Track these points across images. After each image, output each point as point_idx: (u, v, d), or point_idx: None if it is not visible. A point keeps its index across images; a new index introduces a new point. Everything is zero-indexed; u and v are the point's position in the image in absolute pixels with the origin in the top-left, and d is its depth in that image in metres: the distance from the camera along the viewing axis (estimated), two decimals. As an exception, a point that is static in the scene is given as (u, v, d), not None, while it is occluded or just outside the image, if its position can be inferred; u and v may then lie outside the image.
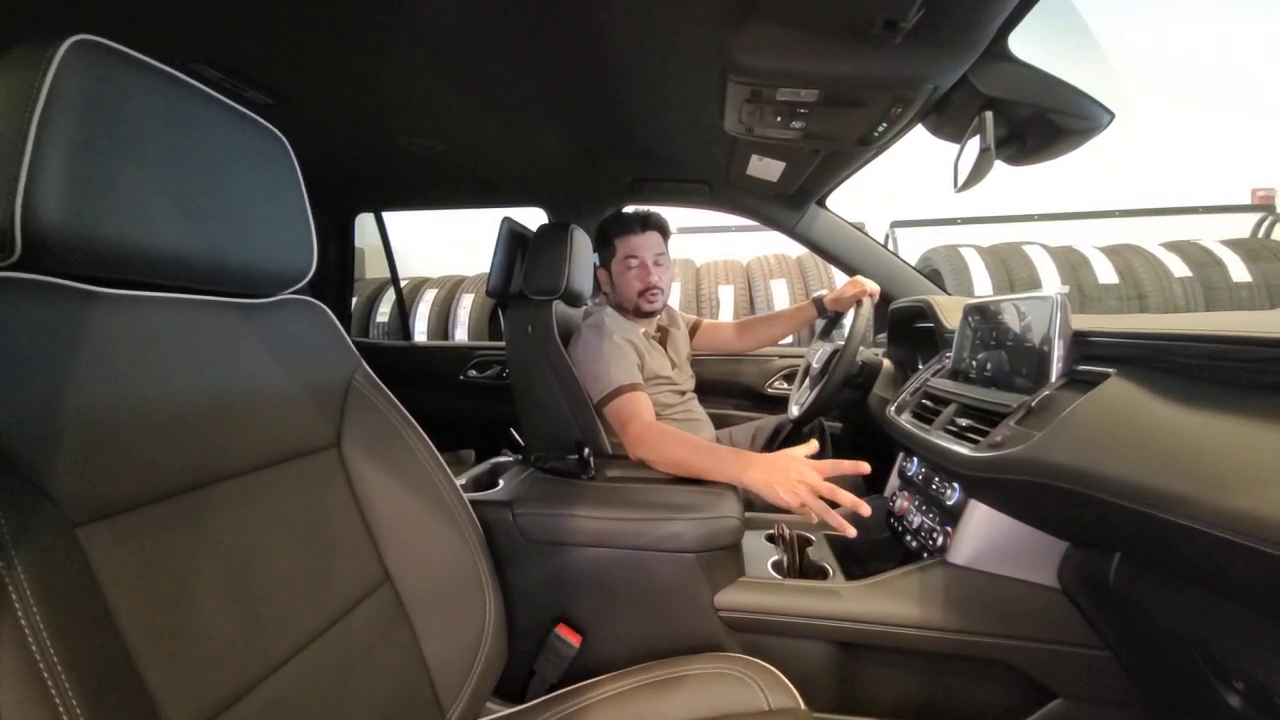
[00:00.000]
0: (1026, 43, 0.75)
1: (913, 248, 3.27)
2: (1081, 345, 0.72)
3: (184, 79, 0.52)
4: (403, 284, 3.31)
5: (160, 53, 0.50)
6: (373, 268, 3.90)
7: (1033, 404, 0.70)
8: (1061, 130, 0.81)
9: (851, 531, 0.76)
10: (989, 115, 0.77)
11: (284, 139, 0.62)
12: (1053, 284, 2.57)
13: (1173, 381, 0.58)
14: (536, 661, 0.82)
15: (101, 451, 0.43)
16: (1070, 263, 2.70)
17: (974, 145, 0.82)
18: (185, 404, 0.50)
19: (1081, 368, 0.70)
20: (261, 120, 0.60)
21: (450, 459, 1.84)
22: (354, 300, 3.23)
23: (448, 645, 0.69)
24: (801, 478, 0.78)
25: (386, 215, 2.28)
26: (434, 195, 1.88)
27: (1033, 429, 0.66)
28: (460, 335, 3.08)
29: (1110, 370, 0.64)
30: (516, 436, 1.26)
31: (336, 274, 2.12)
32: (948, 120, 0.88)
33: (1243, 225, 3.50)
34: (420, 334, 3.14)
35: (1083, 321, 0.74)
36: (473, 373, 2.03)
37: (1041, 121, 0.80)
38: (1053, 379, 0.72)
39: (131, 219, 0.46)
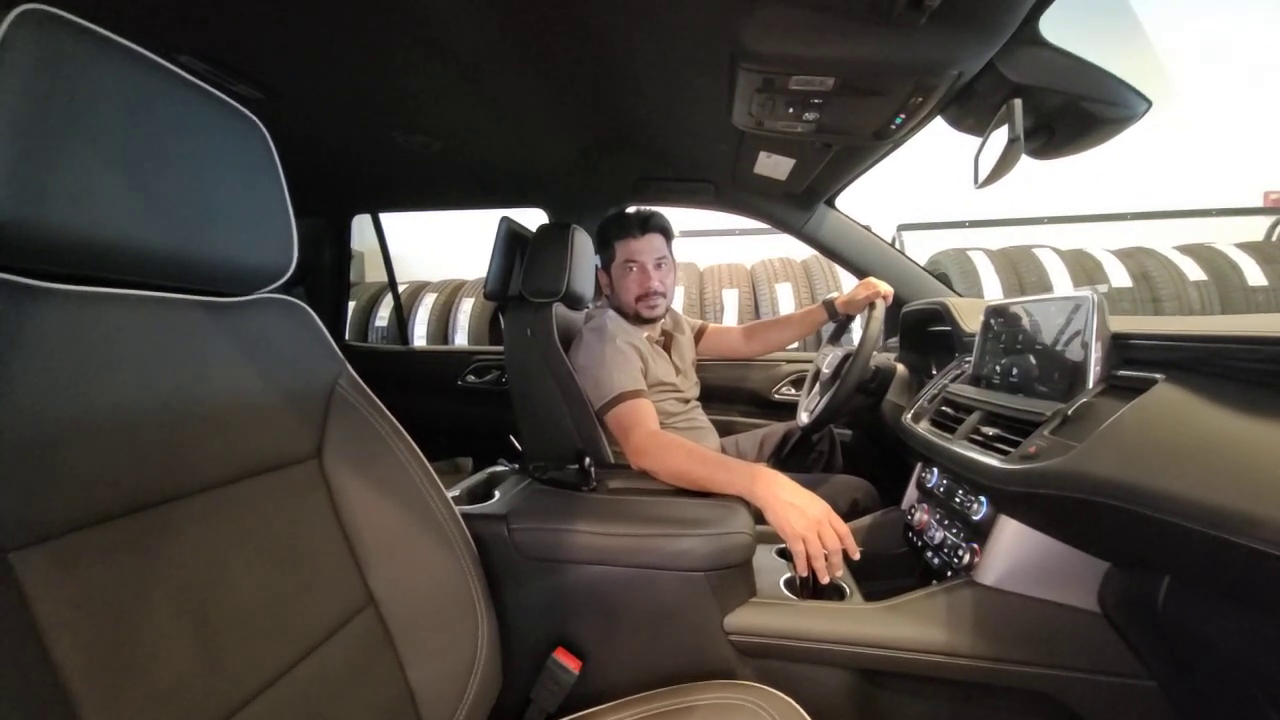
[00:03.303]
0: (1058, 25, 0.71)
1: (920, 251, 3.22)
2: (1121, 349, 0.67)
3: (149, 56, 0.47)
4: (402, 288, 3.29)
5: (143, 44, 0.46)
6: (372, 271, 3.87)
7: (1069, 412, 0.65)
8: (1095, 119, 0.76)
9: (825, 579, 0.75)
10: (1018, 103, 0.72)
11: (261, 126, 0.58)
12: (1065, 286, 2.52)
13: (1230, 388, 0.53)
14: (533, 689, 0.77)
15: (41, 466, 0.38)
16: (1082, 266, 2.65)
17: (1000, 136, 0.77)
18: (141, 412, 0.45)
19: (1122, 373, 0.65)
20: (237, 105, 0.56)
21: (447, 467, 1.80)
22: (352, 304, 3.20)
23: (436, 673, 0.64)
24: (819, 515, 0.76)
25: (384, 217, 2.25)
26: (432, 196, 1.84)
27: (1071, 439, 0.61)
28: (460, 340, 3.04)
29: (1157, 376, 0.59)
30: (516, 444, 1.21)
31: (333, 277, 2.08)
32: (970, 110, 0.83)
33: (1254, 228, 3.44)
34: (420, 339, 3.10)
35: (1121, 323, 0.69)
36: (471, 378, 1.99)
37: (1073, 110, 0.75)
38: (1090, 385, 0.67)
39: (82, 206, 0.42)
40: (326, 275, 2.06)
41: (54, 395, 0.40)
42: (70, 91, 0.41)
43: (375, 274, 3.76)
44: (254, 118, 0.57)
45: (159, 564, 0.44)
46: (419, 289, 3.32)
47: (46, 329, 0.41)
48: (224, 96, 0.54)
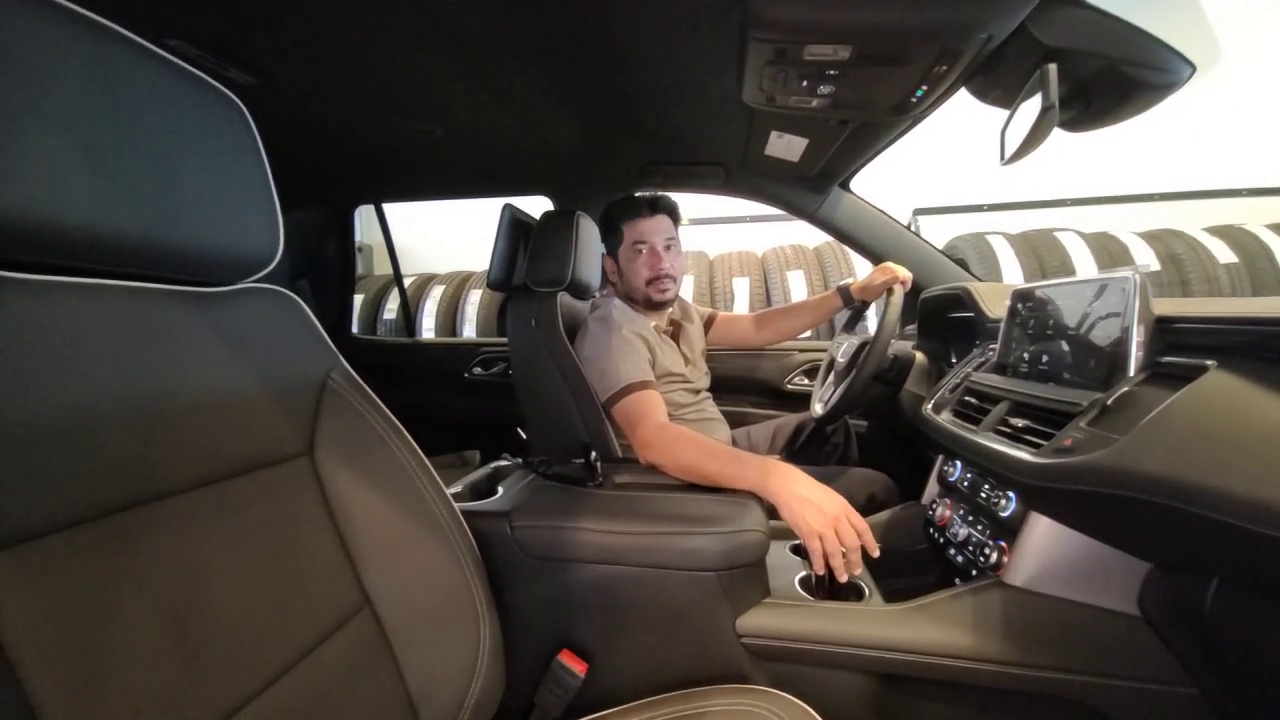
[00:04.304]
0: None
1: (936, 237, 3.13)
2: (1166, 333, 0.62)
3: (119, 31, 0.44)
4: (409, 280, 3.27)
5: (130, 27, 0.44)
6: (381, 264, 3.86)
7: (1108, 402, 0.60)
8: (1135, 86, 0.70)
9: (843, 578, 0.71)
10: (1052, 68, 0.67)
11: (243, 108, 0.55)
12: (1089, 270, 2.43)
13: None
14: (537, 693, 0.74)
15: (2, 468, 0.36)
16: (1107, 249, 2.56)
17: (1031, 106, 0.71)
18: (114, 409, 0.42)
19: (1167, 359, 0.60)
20: (217, 85, 0.52)
21: (454, 460, 1.78)
22: (360, 297, 3.18)
23: (436, 677, 0.61)
24: (836, 510, 0.72)
25: (392, 209, 2.22)
26: (435, 184, 1.80)
27: (1111, 431, 0.57)
28: (468, 332, 3.02)
29: (1208, 362, 0.54)
30: (524, 436, 1.19)
31: (338, 269, 2.06)
32: (998, 80, 0.78)
33: (1281, 209, 3.30)
34: (428, 331, 3.08)
35: (1165, 306, 0.64)
36: (477, 370, 1.96)
37: (1111, 76, 0.70)
38: (1131, 373, 0.62)
39: (43, 190, 0.39)
40: (331, 267, 2.04)
41: (16, 392, 0.37)
42: (29, 67, 0.38)
43: (384, 267, 3.75)
44: (235, 99, 0.54)
45: (134, 570, 0.41)
46: (427, 281, 3.30)
47: (8, 322, 0.38)
48: (203, 76, 0.51)
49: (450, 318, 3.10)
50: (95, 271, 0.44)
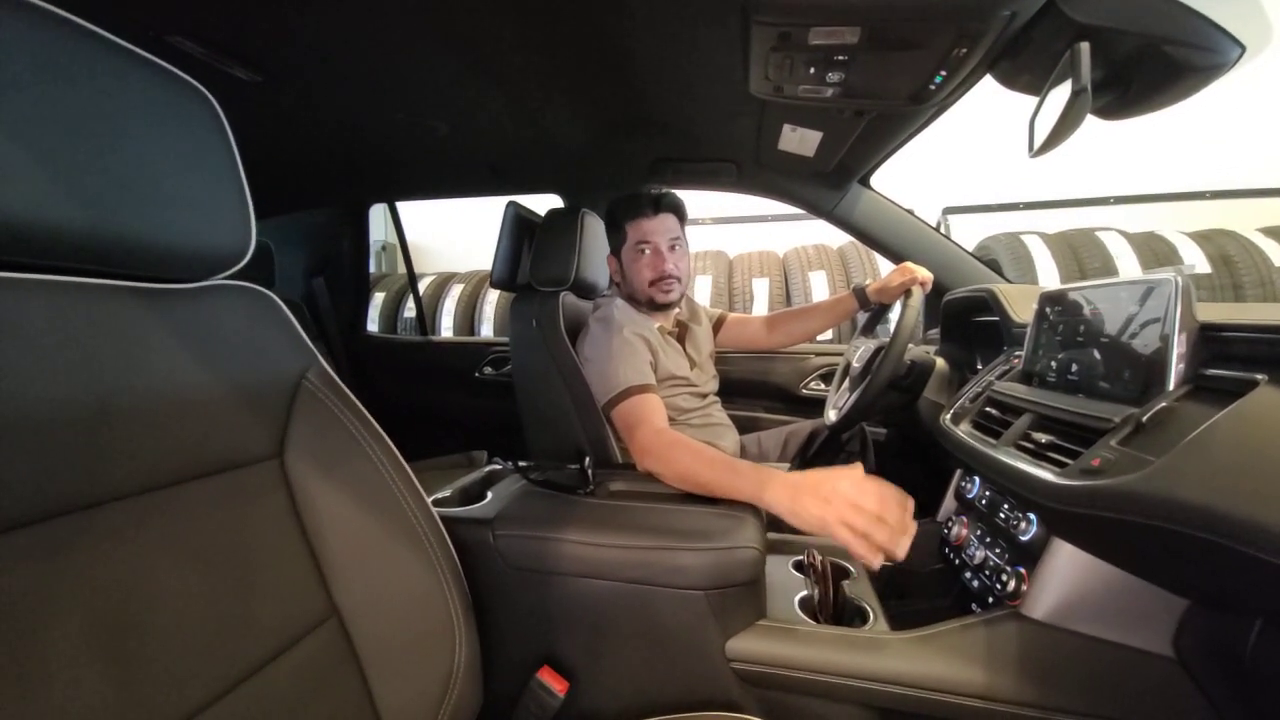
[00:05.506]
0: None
1: (968, 236, 3.00)
2: (1211, 342, 0.56)
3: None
4: (430, 279, 3.29)
5: (131, 24, 0.42)
6: (418, 263, 3.89)
7: (1143, 418, 0.54)
8: (1178, 68, 0.63)
9: (876, 565, 0.62)
10: (1084, 47, 0.61)
11: (210, 96, 0.53)
12: (1133, 272, 2.29)
13: None
14: (515, 711, 0.71)
15: None
16: (1153, 250, 2.41)
17: (1061, 92, 0.65)
18: (61, 409, 0.41)
19: (1211, 372, 0.54)
20: (180, 74, 0.51)
21: (461, 460, 1.77)
22: (381, 295, 3.22)
23: (408, 692, 0.59)
24: (836, 490, 0.65)
25: (414, 209, 2.22)
26: (445, 182, 1.79)
27: (1146, 452, 0.51)
28: (486, 331, 3.03)
29: (1259, 376, 0.48)
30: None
31: (351, 268, 2.07)
32: (1025, 64, 0.71)
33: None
34: (447, 330, 3.10)
35: (1210, 312, 0.57)
36: (488, 370, 1.95)
37: (1151, 57, 0.63)
38: (1170, 386, 0.56)
39: None
40: (346, 266, 2.05)
41: None
42: None
43: (418, 266, 3.78)
44: (205, 92, 0.52)
45: (71, 576, 0.40)
46: (447, 280, 3.32)
47: None
48: (168, 66, 0.49)
49: (469, 317, 3.11)
50: (44, 267, 0.43)
